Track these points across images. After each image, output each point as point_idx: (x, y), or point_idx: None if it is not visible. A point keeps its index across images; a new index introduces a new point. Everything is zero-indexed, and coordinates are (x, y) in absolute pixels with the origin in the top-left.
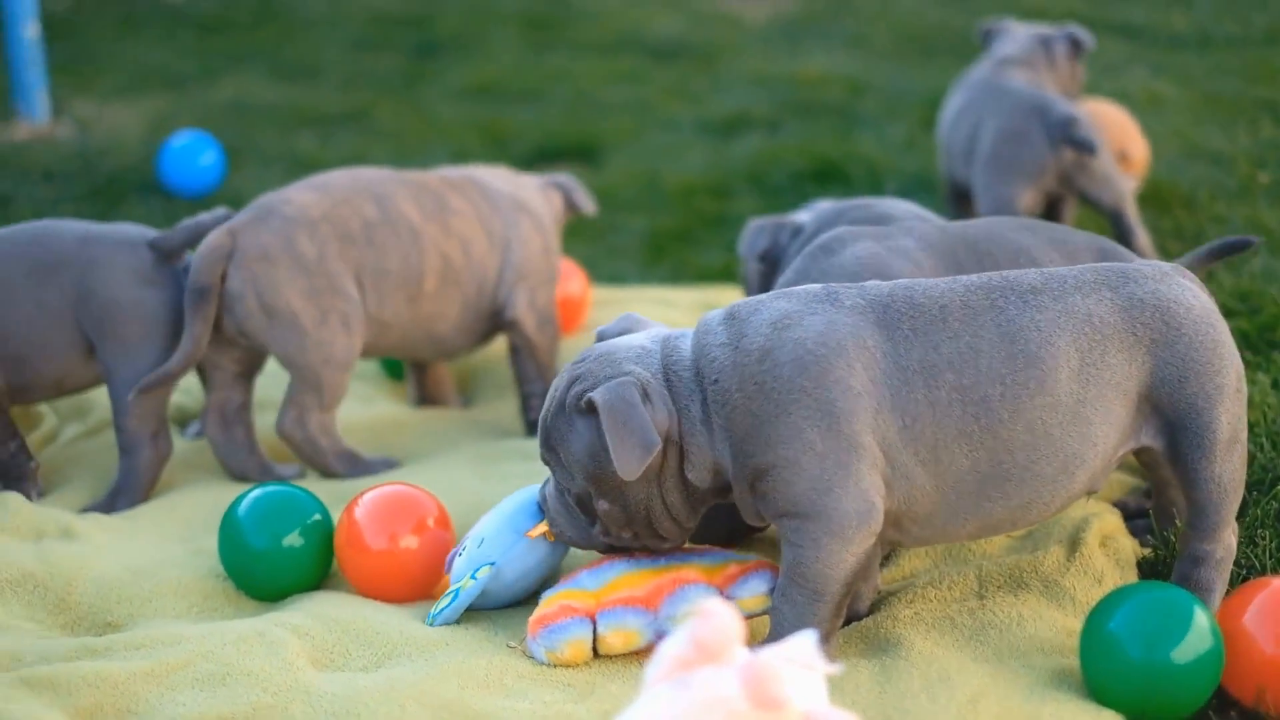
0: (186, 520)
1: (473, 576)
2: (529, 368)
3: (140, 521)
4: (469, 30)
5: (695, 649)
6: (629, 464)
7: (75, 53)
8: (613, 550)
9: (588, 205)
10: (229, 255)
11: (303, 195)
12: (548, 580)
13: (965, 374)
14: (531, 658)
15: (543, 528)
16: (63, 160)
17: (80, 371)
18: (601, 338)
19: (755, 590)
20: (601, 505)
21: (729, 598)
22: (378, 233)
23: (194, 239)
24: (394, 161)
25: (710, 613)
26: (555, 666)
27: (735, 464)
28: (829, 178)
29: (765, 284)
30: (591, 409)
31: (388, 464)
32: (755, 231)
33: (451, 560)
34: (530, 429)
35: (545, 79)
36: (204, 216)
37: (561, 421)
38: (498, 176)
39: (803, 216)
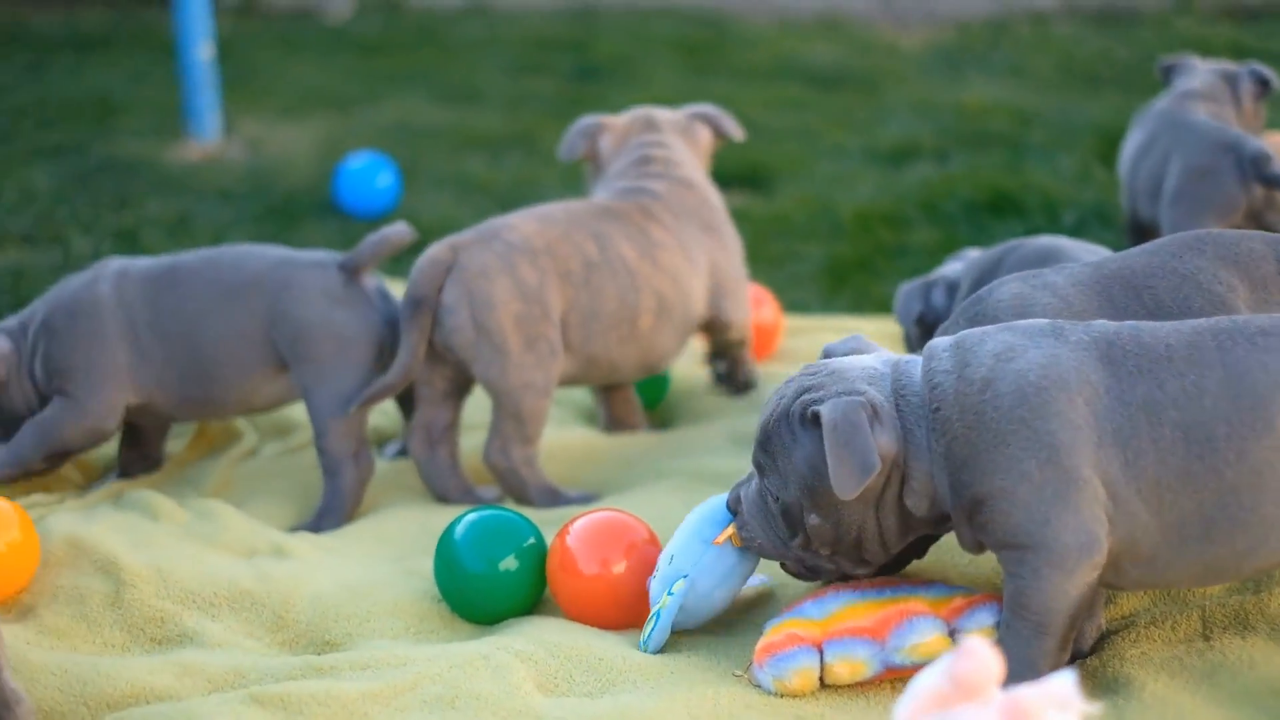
0: (395, 541)
1: (669, 593)
2: (730, 367)
3: (349, 541)
4: (627, 55)
5: (954, 686)
6: (846, 484)
7: (239, 74)
8: (803, 567)
9: (735, 131)
10: (449, 269)
11: (527, 224)
12: (747, 592)
13: (1189, 412)
14: (758, 686)
15: (729, 532)
16: (235, 180)
17: (266, 391)
18: (829, 355)
19: (982, 623)
20: (812, 520)
21: (956, 630)
22: (596, 275)
23: (379, 255)
24: (564, 185)
25: (970, 650)
26: (782, 696)
27: (954, 493)
28: (1003, 209)
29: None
30: (816, 422)
31: (586, 499)
32: (907, 297)
33: (650, 584)
34: (720, 381)
35: (711, 103)
36: (388, 230)
37: (784, 428)
38: (661, 144)
39: (954, 268)
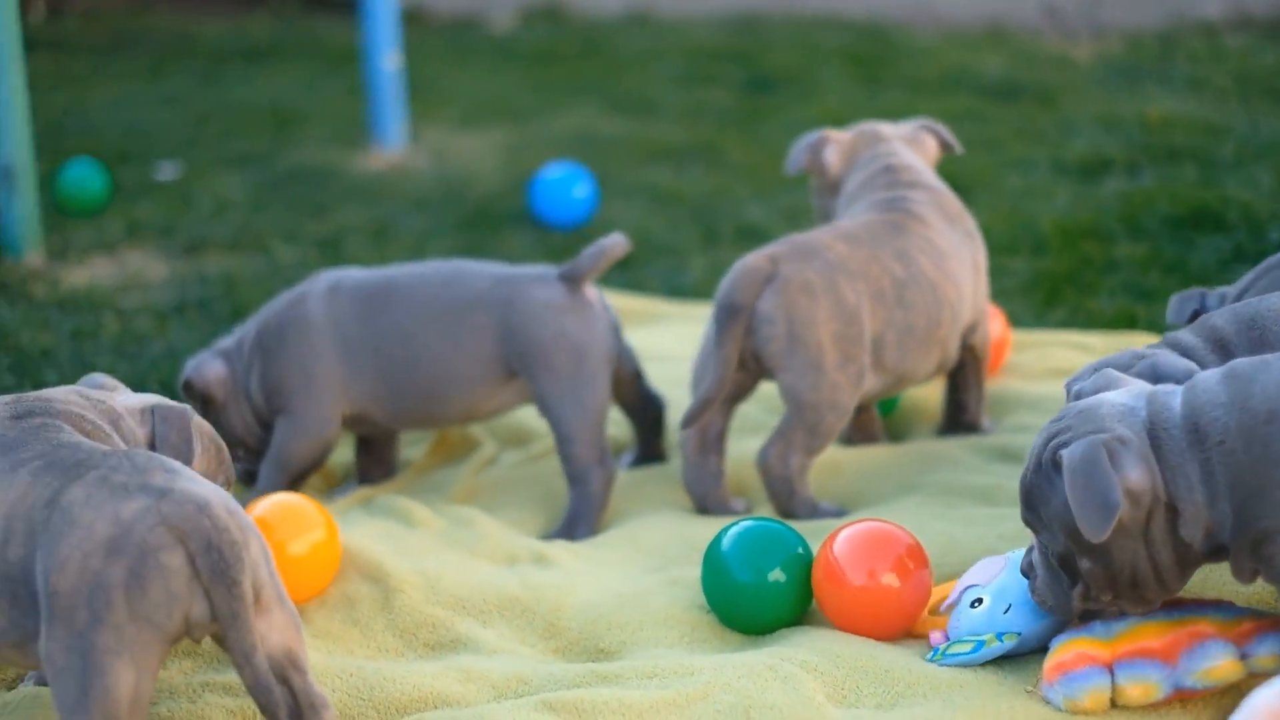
0: (654, 550)
1: (999, 637)
2: (970, 376)
3: (607, 550)
4: (797, 67)
5: None
6: (1091, 524)
7: (413, 84)
8: (1089, 615)
9: (957, 144)
10: (768, 279)
11: (839, 245)
12: None
13: None
14: (1048, 704)
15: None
16: (426, 189)
17: (489, 404)
18: (1075, 394)
19: (1273, 650)
20: (1084, 564)
21: (1245, 655)
22: (908, 292)
23: (599, 267)
24: (755, 197)
25: None
26: (1073, 715)
27: (1236, 527)
28: (1204, 224)
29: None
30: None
31: (839, 513)
32: (1181, 300)
33: (958, 600)
34: (967, 429)
35: (884, 116)
36: (605, 242)
37: (1041, 479)
38: (901, 154)
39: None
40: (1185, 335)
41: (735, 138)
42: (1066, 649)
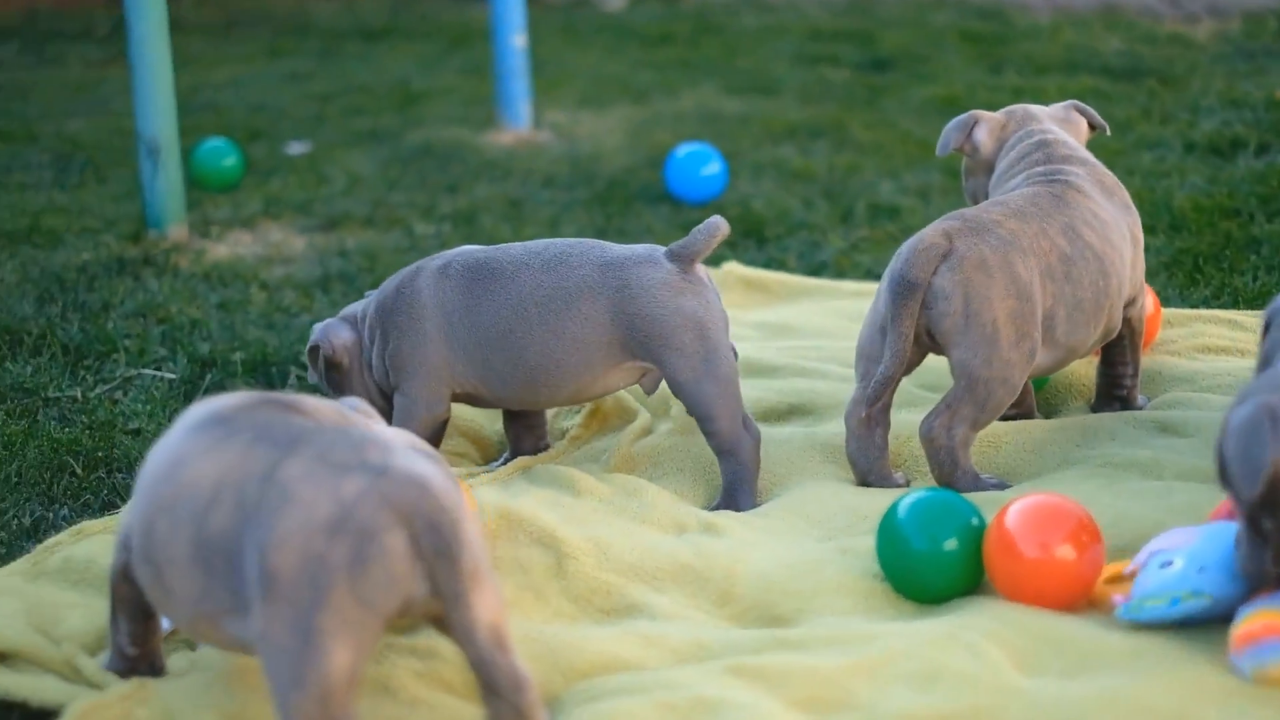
0: (820, 520)
1: (1193, 593)
2: (1126, 351)
3: (774, 520)
4: (914, 47)
5: None
6: (1242, 483)
7: (533, 63)
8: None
9: (1106, 126)
10: (944, 256)
11: (1010, 221)
12: None
13: None
14: (1235, 674)
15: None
16: (555, 167)
17: (600, 386)
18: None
19: None
20: (1266, 525)
21: None
22: (1075, 267)
23: (709, 247)
24: (882, 175)
25: None
26: (1261, 686)
27: None
28: None
29: None
30: None
31: (1001, 485)
32: None
33: (1145, 563)
34: (1122, 404)
35: (1006, 96)
36: (713, 222)
37: (1217, 445)
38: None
39: None
40: None
41: (858, 117)
42: (1255, 619)
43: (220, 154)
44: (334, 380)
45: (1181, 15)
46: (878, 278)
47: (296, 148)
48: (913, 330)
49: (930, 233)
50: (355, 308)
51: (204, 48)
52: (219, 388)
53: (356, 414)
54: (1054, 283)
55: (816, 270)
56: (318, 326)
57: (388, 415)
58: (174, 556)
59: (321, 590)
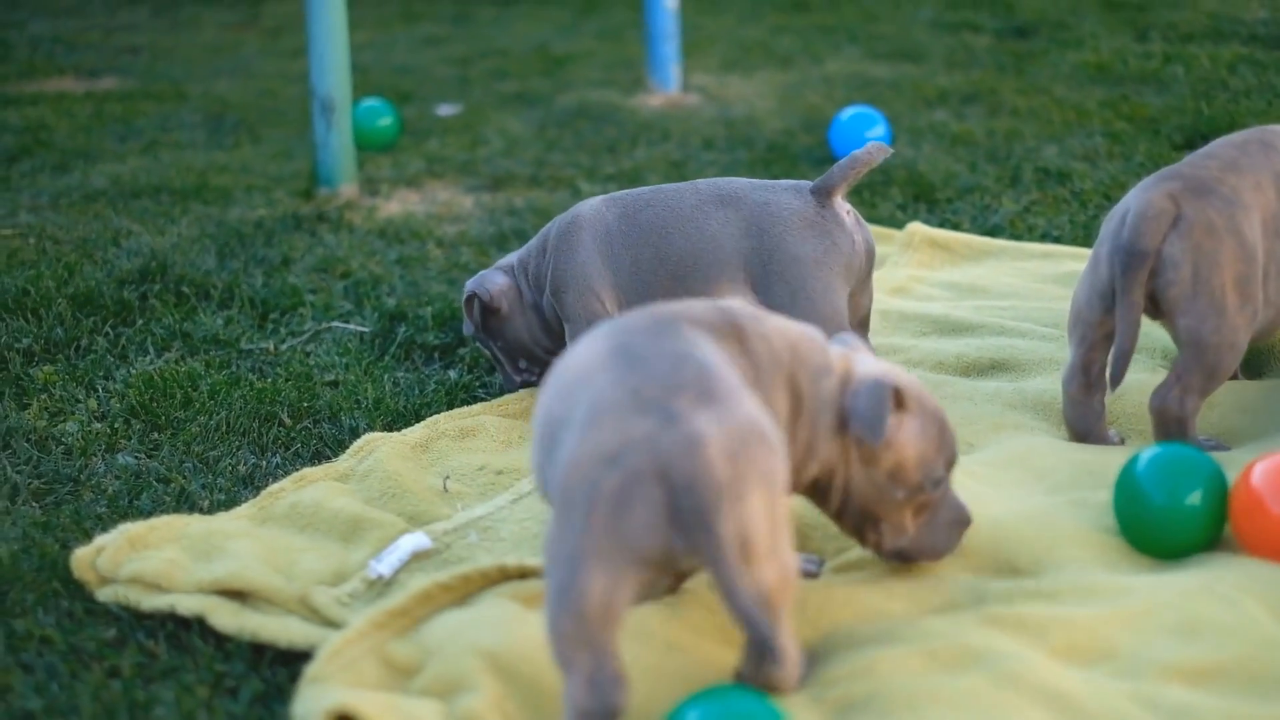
0: (1045, 473)
1: None
2: None
3: (999, 471)
4: (1054, 14)
5: None
6: None
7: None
8: None
9: None
10: (1174, 222)
11: (1229, 177)
12: None
13: None
14: None
15: None
16: (709, 129)
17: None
18: None
19: None
20: None
21: None
22: None
23: (851, 178)
24: (1039, 138)
25: None
26: None
27: None
28: None
29: None
30: None
31: (1220, 448)
32: None
33: None
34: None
35: (1158, 62)
36: (857, 152)
37: None
38: None
39: None
40: None
41: (1009, 83)
42: None
43: (377, 114)
44: (492, 327)
45: None
46: (1055, 240)
47: (447, 109)
48: (1142, 300)
49: (1158, 198)
50: (510, 258)
51: None
52: (410, 342)
53: (837, 344)
54: (1268, 239)
55: (991, 233)
56: (470, 280)
57: (553, 355)
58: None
59: (587, 514)
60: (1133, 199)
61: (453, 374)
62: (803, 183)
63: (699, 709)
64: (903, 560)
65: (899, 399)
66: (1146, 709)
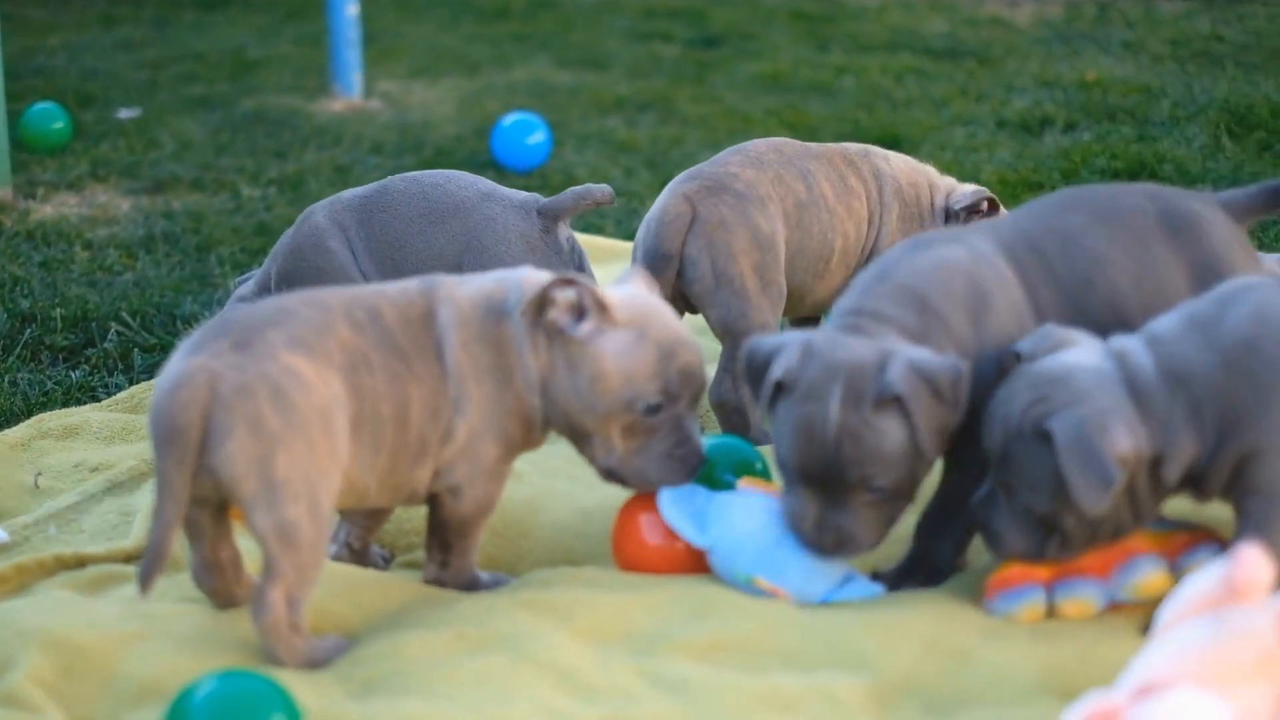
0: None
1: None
2: None
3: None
4: (744, 25)
5: (1227, 589)
6: (1091, 500)
7: (367, 35)
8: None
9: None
10: (690, 222)
11: (746, 171)
12: None
13: None
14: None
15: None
16: (385, 134)
17: None
18: (1025, 355)
19: (1205, 562)
20: (1069, 524)
21: (1178, 567)
22: (806, 214)
23: (578, 209)
24: (703, 146)
25: (1245, 557)
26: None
27: (1215, 453)
28: (1140, 178)
29: None
30: (1049, 438)
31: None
32: None
33: None
34: None
35: (831, 73)
36: (593, 187)
37: (1021, 446)
38: (892, 159)
39: None
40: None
41: (686, 91)
42: (1008, 566)
43: (49, 117)
44: None
45: (1005, 0)
46: None
47: (127, 113)
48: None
49: (673, 202)
50: (252, 281)
51: (38, 14)
52: (38, 343)
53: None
54: (788, 228)
55: (632, 236)
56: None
57: None
58: None
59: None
60: (656, 204)
61: (75, 374)
62: (531, 199)
63: (205, 690)
64: (615, 481)
65: (601, 306)
66: (649, 681)
